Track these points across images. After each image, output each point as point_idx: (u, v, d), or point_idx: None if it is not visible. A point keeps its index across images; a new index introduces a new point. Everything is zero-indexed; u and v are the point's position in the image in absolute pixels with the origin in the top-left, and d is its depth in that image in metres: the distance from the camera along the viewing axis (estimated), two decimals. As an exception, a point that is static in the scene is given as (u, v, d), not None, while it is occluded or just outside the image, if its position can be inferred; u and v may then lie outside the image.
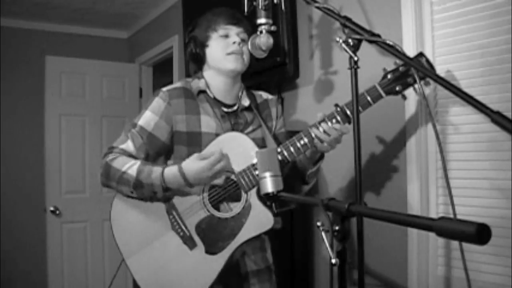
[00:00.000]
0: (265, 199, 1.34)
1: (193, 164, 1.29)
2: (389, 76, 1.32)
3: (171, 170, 1.32)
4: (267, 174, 1.04)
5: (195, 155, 1.31)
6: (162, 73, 4.15)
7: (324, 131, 1.32)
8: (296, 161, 1.51)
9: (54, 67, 3.53)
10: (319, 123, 1.34)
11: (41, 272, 3.48)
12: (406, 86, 1.31)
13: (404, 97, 1.34)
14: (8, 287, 3.47)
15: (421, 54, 1.29)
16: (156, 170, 1.32)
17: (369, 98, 1.32)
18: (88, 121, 3.68)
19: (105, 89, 3.77)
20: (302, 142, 1.36)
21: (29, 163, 3.67)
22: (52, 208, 3.43)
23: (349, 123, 1.34)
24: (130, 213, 1.41)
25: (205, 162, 1.28)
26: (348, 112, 1.32)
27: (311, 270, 2.22)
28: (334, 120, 1.33)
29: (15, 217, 3.56)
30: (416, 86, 1.29)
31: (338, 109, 1.34)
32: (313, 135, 1.34)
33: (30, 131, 3.69)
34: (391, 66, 1.33)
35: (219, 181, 1.34)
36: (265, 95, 1.63)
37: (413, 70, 1.27)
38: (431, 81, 1.29)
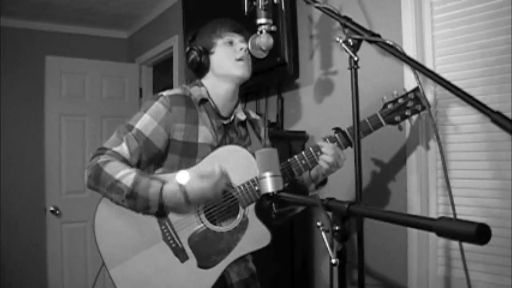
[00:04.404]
0: (263, 215, 1.34)
1: (195, 184, 1.25)
2: (389, 106, 1.40)
3: (170, 187, 1.26)
4: (267, 174, 1.04)
5: (196, 174, 1.27)
6: (162, 73, 4.15)
7: (325, 153, 1.34)
8: (297, 180, 1.49)
9: (54, 67, 3.53)
10: (321, 144, 1.37)
11: (41, 272, 3.48)
12: (404, 117, 1.40)
13: (401, 128, 1.42)
14: (8, 287, 3.47)
15: (417, 89, 1.38)
16: (155, 184, 1.26)
17: (370, 126, 1.38)
18: (88, 121, 3.68)
19: (105, 89, 3.77)
20: (303, 162, 1.37)
21: (29, 163, 3.67)
22: (52, 208, 3.43)
23: (351, 146, 1.37)
24: (117, 219, 1.32)
25: (208, 182, 1.24)
26: (349, 136, 1.37)
27: (311, 270, 2.22)
28: (335, 143, 1.36)
29: (15, 217, 3.56)
30: (413, 117, 1.41)
31: (339, 131, 1.38)
32: (313, 154, 1.36)
33: (30, 131, 3.70)
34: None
35: (218, 200, 1.31)
36: (253, 114, 1.62)
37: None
38: (431, 83, 1.30)
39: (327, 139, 1.38)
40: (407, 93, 1.38)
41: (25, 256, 3.59)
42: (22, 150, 3.68)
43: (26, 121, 3.71)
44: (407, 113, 1.38)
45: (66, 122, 3.57)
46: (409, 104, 1.38)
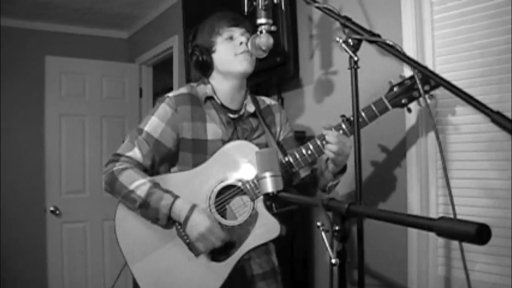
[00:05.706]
0: (271, 207, 1.35)
1: (202, 222, 1.29)
2: (395, 89, 1.34)
3: (179, 206, 1.31)
4: (267, 174, 1.04)
5: (213, 218, 1.31)
6: (162, 73, 4.15)
7: (329, 141, 1.33)
8: (317, 171, 1.51)
9: (54, 67, 3.53)
10: (326, 132, 1.36)
11: (41, 272, 3.48)
12: (411, 99, 1.34)
13: (410, 110, 1.36)
14: (8, 287, 3.47)
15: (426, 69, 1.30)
16: (167, 197, 1.31)
17: (376, 111, 1.34)
18: (88, 121, 3.68)
19: (105, 89, 3.77)
20: (309, 151, 1.37)
21: (29, 163, 3.67)
22: (52, 208, 3.43)
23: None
24: (135, 219, 1.39)
25: (210, 233, 1.28)
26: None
27: (311, 270, 2.22)
28: (340, 131, 1.35)
29: (15, 217, 3.56)
30: (421, 99, 1.32)
31: (345, 119, 1.35)
32: (318, 143, 1.36)
33: (30, 131, 3.69)
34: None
35: (200, 247, 1.32)
36: (268, 100, 1.62)
37: (418, 82, 1.26)
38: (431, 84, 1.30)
39: (333, 128, 1.36)
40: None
41: (25, 256, 3.58)
42: (22, 150, 3.68)
43: (26, 121, 3.70)
44: (415, 94, 1.32)
45: (66, 122, 3.57)
46: (417, 85, 1.30)
